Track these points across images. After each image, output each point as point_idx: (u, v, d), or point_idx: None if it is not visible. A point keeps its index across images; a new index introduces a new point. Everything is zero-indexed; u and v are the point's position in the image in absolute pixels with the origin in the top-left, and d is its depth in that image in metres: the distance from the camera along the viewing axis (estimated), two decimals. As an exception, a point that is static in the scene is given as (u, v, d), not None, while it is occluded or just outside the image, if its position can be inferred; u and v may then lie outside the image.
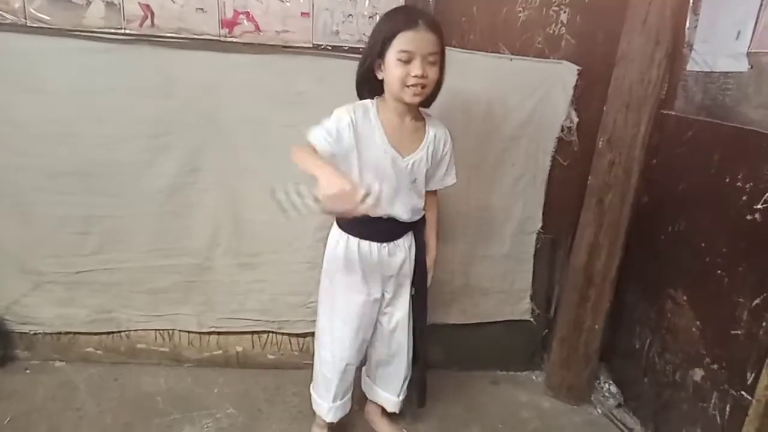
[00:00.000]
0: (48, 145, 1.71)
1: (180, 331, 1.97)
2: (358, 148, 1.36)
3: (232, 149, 1.78)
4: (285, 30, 1.64)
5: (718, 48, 1.60)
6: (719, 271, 1.52)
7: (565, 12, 1.77)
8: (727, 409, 1.48)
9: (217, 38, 1.63)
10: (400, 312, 1.57)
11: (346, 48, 1.67)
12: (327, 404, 1.60)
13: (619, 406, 1.96)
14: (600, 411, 1.99)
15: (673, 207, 1.73)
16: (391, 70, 1.30)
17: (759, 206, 1.39)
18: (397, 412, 1.74)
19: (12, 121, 1.68)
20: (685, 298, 1.66)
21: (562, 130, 1.89)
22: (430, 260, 1.61)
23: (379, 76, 1.34)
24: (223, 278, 1.92)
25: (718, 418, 1.51)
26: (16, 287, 1.87)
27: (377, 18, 1.64)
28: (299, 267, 1.89)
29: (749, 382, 1.40)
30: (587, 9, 1.77)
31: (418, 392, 1.72)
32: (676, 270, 1.71)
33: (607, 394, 1.99)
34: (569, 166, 1.94)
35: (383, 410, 1.77)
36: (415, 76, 1.27)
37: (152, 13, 1.59)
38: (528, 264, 2.06)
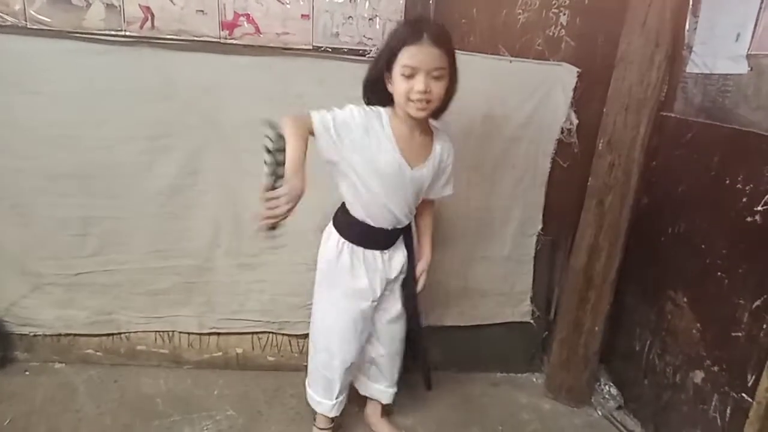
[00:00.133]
0: (48, 146, 1.71)
1: (180, 332, 1.97)
2: (365, 154, 1.35)
3: (232, 151, 1.78)
4: (285, 32, 1.64)
5: (717, 50, 1.60)
6: (719, 273, 1.52)
7: (564, 14, 1.77)
8: (728, 411, 1.48)
9: (217, 40, 1.63)
10: (394, 309, 1.60)
11: (345, 50, 1.68)
12: (330, 402, 1.61)
13: (619, 408, 1.96)
14: (600, 413, 1.98)
15: (673, 208, 1.73)
16: (397, 84, 1.30)
17: (759, 208, 1.39)
18: (391, 403, 1.77)
19: (12, 122, 1.68)
20: (685, 299, 1.66)
21: (562, 132, 1.89)
22: (424, 265, 1.62)
23: (389, 88, 1.34)
24: (223, 279, 1.92)
25: (718, 420, 1.51)
26: (16, 289, 1.87)
27: (377, 20, 1.66)
28: (299, 268, 1.89)
29: (750, 384, 1.40)
30: (587, 11, 1.77)
31: (423, 377, 1.76)
32: (676, 272, 1.71)
33: (607, 396, 1.99)
34: (569, 168, 1.94)
35: (383, 412, 1.79)
36: (418, 92, 1.26)
37: (152, 15, 1.59)
38: (528, 266, 2.06)
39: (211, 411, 1.80)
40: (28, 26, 1.56)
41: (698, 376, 1.59)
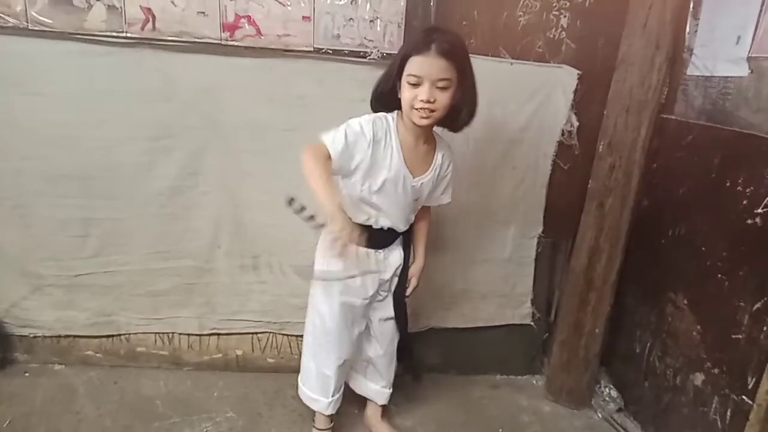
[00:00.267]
0: (48, 147, 1.71)
1: (180, 334, 1.97)
2: (371, 165, 1.36)
3: (233, 152, 1.78)
4: (286, 34, 1.64)
5: (718, 52, 1.60)
6: (720, 275, 1.52)
7: (565, 16, 1.77)
8: (728, 413, 1.48)
9: (218, 42, 1.63)
10: (388, 308, 1.62)
11: (346, 52, 1.68)
12: (326, 399, 1.63)
13: (619, 410, 1.96)
14: (600, 415, 1.98)
15: (673, 211, 1.73)
16: (403, 92, 1.32)
17: (759, 210, 1.39)
18: (387, 404, 1.78)
19: (12, 123, 1.68)
20: (685, 301, 1.66)
21: (563, 134, 1.89)
22: (416, 270, 1.63)
23: (399, 94, 1.35)
24: (224, 279, 1.92)
25: (718, 422, 1.51)
26: (16, 290, 1.86)
27: (378, 22, 1.66)
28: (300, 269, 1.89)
29: (750, 386, 1.39)
30: (587, 13, 1.77)
31: (411, 371, 1.82)
32: (676, 274, 1.71)
33: (607, 398, 1.98)
34: (570, 170, 1.94)
35: (382, 414, 1.79)
36: (422, 101, 1.28)
37: (153, 17, 1.59)
38: (529, 268, 2.06)
39: (210, 413, 1.80)
40: (30, 27, 1.56)
41: (698, 378, 1.59)
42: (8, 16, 1.54)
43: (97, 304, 1.90)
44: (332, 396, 1.63)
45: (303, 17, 1.63)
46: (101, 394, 1.84)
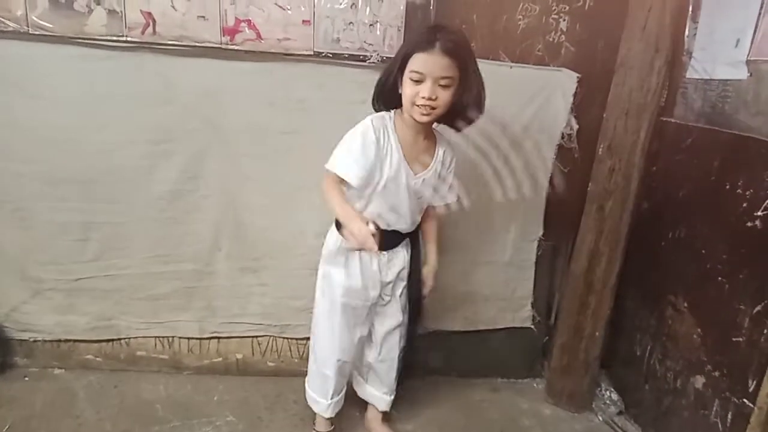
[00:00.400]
0: (49, 151, 1.71)
1: (180, 338, 1.97)
2: (374, 165, 1.37)
3: (233, 156, 1.78)
4: (286, 38, 1.65)
5: (717, 55, 1.60)
6: (720, 278, 1.52)
7: (564, 20, 1.78)
8: (729, 416, 1.47)
9: (219, 46, 1.64)
10: (394, 316, 1.61)
11: (346, 55, 1.68)
12: (326, 401, 1.64)
13: (620, 413, 1.95)
14: (601, 418, 1.98)
15: (673, 213, 1.73)
16: (405, 88, 1.32)
17: (759, 213, 1.39)
18: (388, 410, 1.78)
19: (13, 127, 1.68)
20: (685, 304, 1.66)
21: (562, 137, 1.89)
22: (429, 271, 1.63)
23: (400, 90, 1.35)
24: (224, 283, 1.92)
25: (719, 425, 1.50)
26: (16, 294, 1.86)
27: (378, 26, 1.66)
28: (300, 271, 1.89)
29: (751, 389, 1.39)
30: (587, 17, 1.78)
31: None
32: (676, 276, 1.71)
33: (608, 401, 1.98)
34: (569, 173, 1.94)
35: (383, 417, 1.78)
36: (423, 97, 1.28)
37: (154, 21, 1.59)
38: (529, 271, 2.06)
39: (211, 417, 1.79)
40: (30, 32, 1.56)
41: (699, 381, 1.59)
42: (9, 20, 1.55)
43: (98, 308, 1.90)
44: (332, 398, 1.63)
45: (303, 21, 1.64)
46: (101, 399, 1.84)
